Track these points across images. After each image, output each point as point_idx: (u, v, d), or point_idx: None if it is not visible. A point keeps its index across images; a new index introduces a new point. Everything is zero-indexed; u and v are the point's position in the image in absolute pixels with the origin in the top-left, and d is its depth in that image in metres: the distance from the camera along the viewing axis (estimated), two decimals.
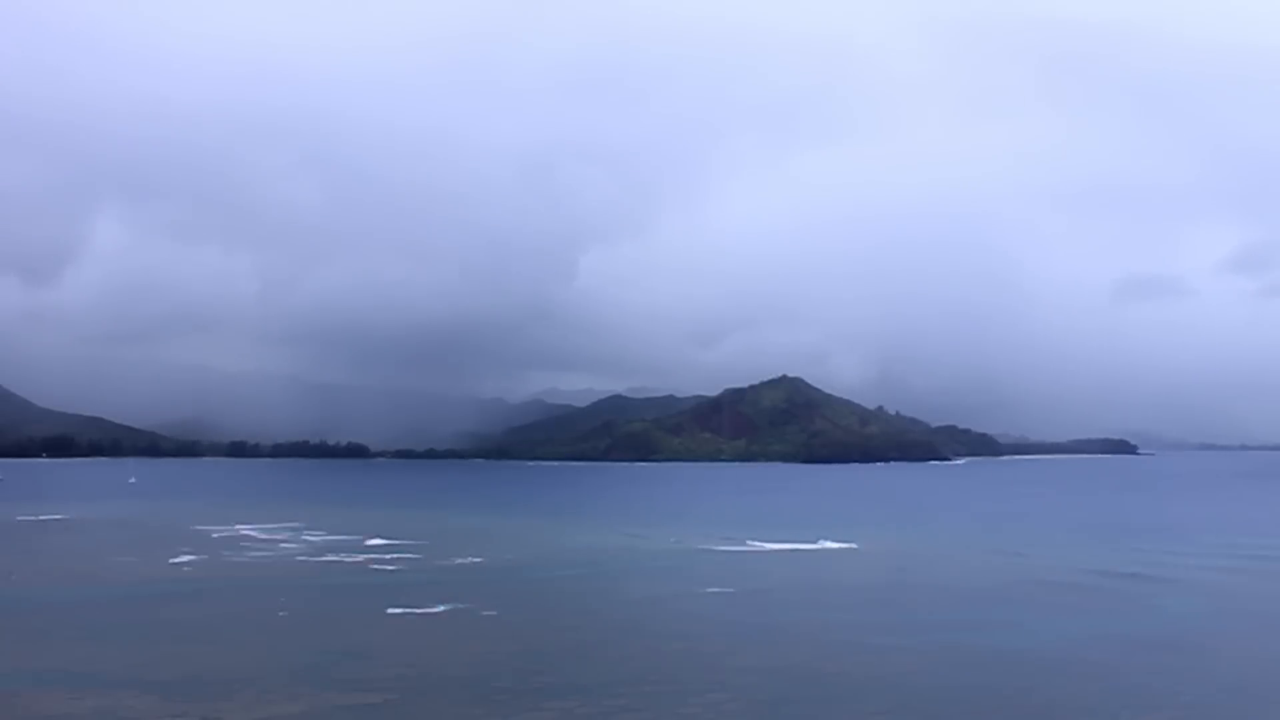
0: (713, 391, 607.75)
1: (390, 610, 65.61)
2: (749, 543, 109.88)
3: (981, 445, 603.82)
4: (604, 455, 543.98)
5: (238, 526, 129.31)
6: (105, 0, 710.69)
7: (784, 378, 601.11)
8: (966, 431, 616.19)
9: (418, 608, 66.96)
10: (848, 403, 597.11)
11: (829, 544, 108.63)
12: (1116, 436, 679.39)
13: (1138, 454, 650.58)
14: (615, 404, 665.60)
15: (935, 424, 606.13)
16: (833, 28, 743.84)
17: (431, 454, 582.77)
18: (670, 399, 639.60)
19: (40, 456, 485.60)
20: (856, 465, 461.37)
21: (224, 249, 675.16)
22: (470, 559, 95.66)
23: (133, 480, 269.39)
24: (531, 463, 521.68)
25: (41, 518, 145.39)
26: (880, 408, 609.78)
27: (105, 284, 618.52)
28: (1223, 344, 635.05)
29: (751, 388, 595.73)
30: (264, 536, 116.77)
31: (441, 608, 67.15)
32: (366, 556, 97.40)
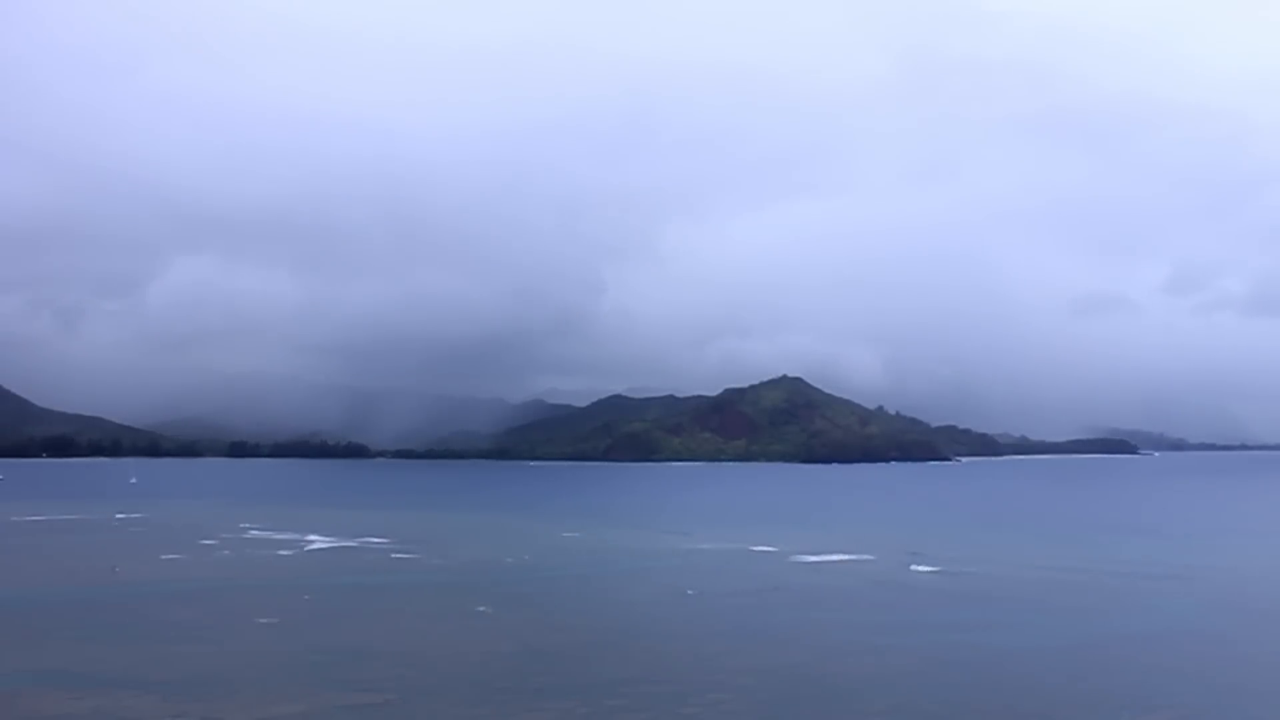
0: (713, 391, 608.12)
1: (390, 610, 65.67)
2: (747, 543, 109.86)
3: (981, 445, 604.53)
4: (604, 455, 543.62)
5: (238, 526, 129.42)
6: (197, 68, 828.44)
7: (784, 378, 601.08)
8: (966, 431, 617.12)
9: (417, 608, 67.03)
10: (848, 403, 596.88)
11: (827, 543, 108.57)
12: (1116, 437, 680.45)
13: (1138, 454, 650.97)
14: (615, 404, 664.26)
15: (935, 424, 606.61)
16: (822, 86, 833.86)
17: (431, 454, 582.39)
18: (670, 399, 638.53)
19: (40, 456, 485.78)
20: (857, 465, 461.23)
21: (290, 273, 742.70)
22: (469, 559, 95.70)
23: (133, 480, 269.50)
24: (531, 463, 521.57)
25: (39, 518, 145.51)
26: (880, 408, 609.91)
27: (172, 302, 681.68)
28: (1187, 352, 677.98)
29: (752, 388, 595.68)
30: (264, 536, 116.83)
31: (441, 608, 67.19)
32: (366, 556, 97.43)
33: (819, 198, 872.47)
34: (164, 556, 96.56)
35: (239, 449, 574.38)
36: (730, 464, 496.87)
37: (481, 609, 66.37)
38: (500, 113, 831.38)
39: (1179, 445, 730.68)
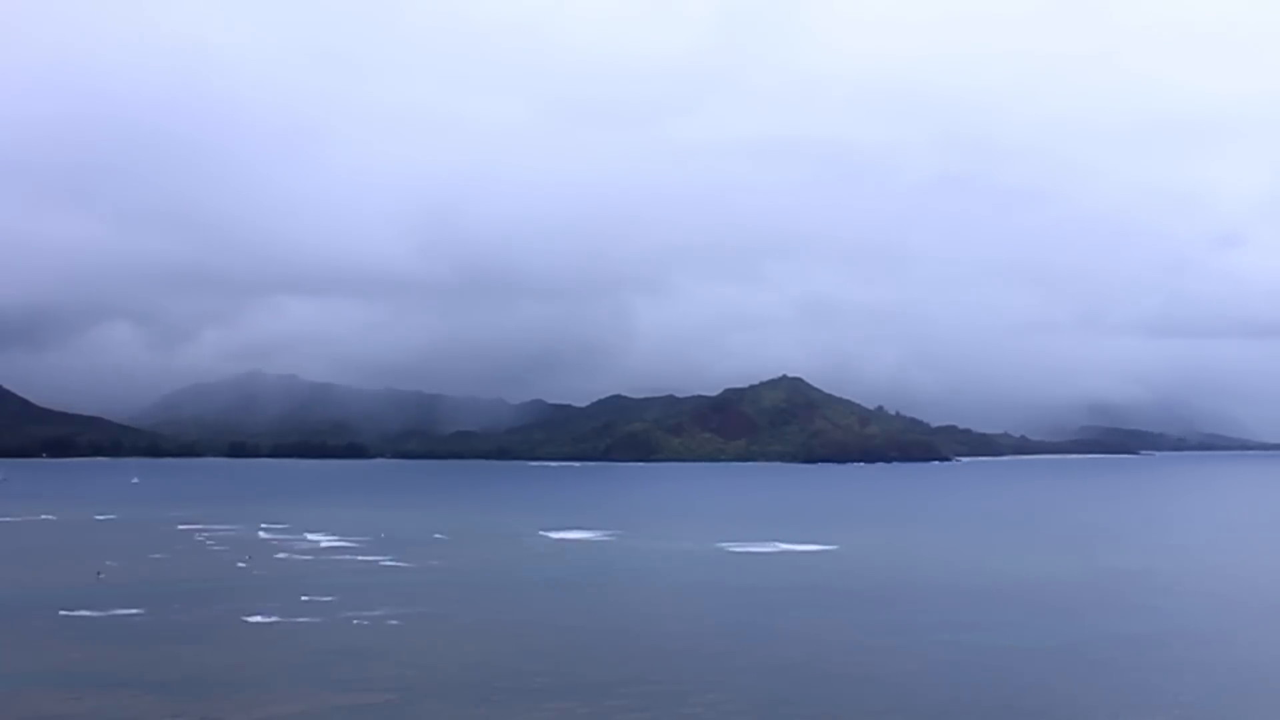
0: (713, 391, 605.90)
1: (390, 610, 65.65)
2: (744, 543, 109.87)
3: (982, 445, 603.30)
4: (604, 455, 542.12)
5: (239, 527, 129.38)
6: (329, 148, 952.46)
7: (784, 378, 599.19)
8: (967, 431, 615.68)
9: (416, 608, 67.03)
10: (848, 403, 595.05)
11: (826, 544, 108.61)
12: (1116, 438, 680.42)
13: (1138, 454, 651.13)
14: (615, 404, 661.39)
15: (935, 424, 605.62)
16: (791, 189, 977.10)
17: (431, 454, 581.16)
18: (670, 399, 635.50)
19: (40, 456, 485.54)
20: (855, 465, 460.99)
21: (353, 302, 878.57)
22: (468, 560, 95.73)
23: (135, 481, 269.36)
24: (532, 463, 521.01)
25: (41, 519, 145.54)
26: (880, 408, 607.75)
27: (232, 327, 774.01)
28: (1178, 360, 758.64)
29: (751, 388, 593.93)
30: (265, 537, 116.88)
31: (440, 608, 67.19)
32: (367, 557, 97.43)
33: (798, 259, 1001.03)
34: (164, 557, 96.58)
35: (239, 449, 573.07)
36: (730, 464, 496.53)
37: (481, 609, 66.38)
38: (561, 182, 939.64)
39: (1179, 445, 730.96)
